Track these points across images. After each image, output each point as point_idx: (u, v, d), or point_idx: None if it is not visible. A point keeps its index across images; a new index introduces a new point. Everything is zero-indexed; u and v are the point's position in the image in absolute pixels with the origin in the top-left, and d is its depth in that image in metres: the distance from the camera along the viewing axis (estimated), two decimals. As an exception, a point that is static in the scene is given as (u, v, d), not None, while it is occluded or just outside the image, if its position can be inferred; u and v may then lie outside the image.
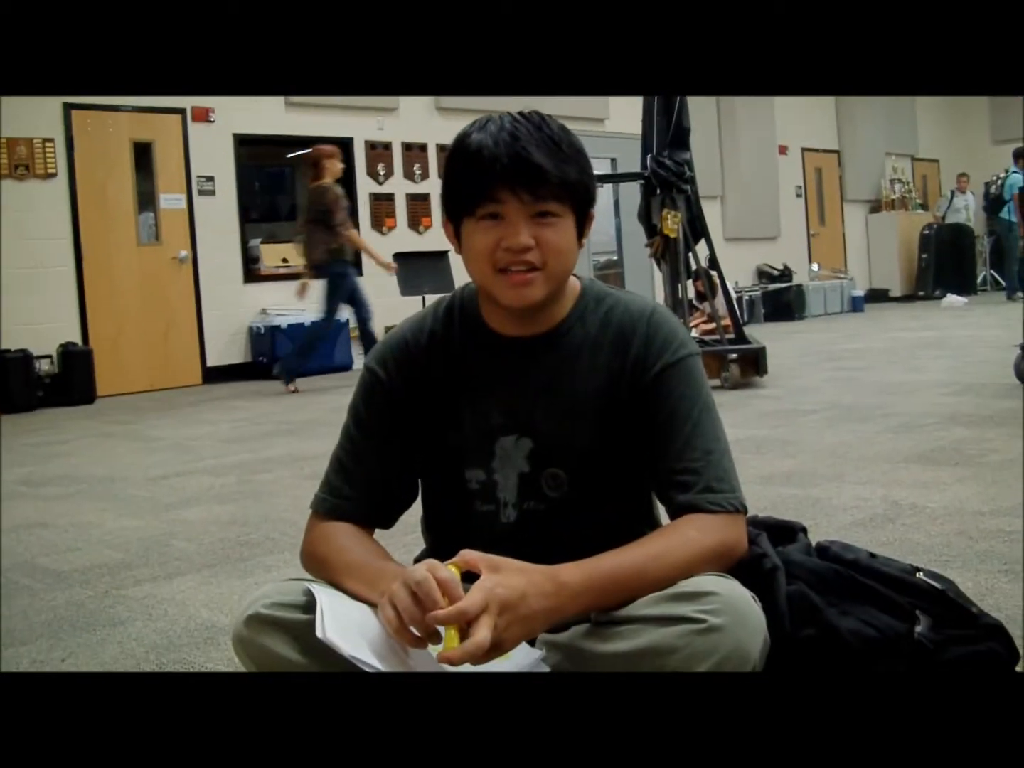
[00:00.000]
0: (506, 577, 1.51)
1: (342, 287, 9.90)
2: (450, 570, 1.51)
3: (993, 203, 18.27)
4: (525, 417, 1.81)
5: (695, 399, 1.76)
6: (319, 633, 1.51)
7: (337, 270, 9.83)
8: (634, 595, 1.57)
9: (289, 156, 13.82)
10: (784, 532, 2.06)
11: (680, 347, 1.79)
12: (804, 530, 2.10)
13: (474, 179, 1.68)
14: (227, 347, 11.89)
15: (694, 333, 9.45)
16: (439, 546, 1.89)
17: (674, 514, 1.74)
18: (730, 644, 1.48)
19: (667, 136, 8.43)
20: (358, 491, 1.86)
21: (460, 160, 1.71)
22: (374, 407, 1.88)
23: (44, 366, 10.38)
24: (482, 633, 1.43)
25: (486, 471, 1.83)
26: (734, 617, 1.50)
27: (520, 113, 1.74)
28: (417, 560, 1.90)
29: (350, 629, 1.56)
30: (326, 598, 1.59)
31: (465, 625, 1.45)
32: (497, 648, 1.46)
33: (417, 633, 1.49)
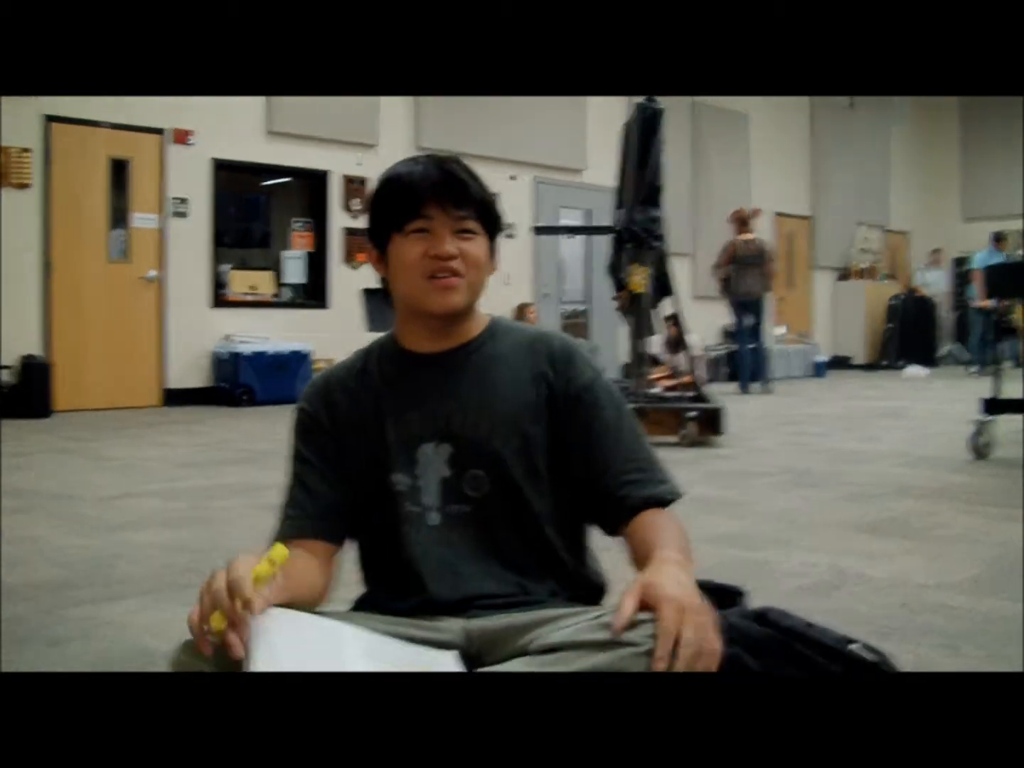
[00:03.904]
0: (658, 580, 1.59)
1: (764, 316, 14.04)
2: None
3: (964, 279, 18.71)
4: (443, 424, 1.94)
5: (620, 408, 1.98)
6: (251, 668, 1.51)
7: (764, 304, 13.92)
8: None
9: (265, 184, 13.84)
10: (723, 595, 2.08)
11: (595, 364, 2.01)
12: (743, 594, 2.12)
13: (405, 198, 1.89)
14: (189, 371, 11.85)
15: (656, 389, 9.45)
16: (372, 564, 2.02)
17: (628, 509, 1.88)
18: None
19: (640, 193, 8.50)
20: (315, 509, 1.95)
21: (390, 188, 1.93)
22: (309, 439, 2.03)
23: (3, 376, 10.31)
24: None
25: (410, 476, 1.94)
26: None
27: (439, 155, 1.98)
28: (361, 601, 1.95)
29: (289, 650, 1.56)
30: (263, 626, 1.58)
31: None
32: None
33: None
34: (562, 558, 1.95)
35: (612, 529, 1.94)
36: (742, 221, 14.17)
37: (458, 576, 1.88)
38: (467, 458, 1.92)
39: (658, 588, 1.54)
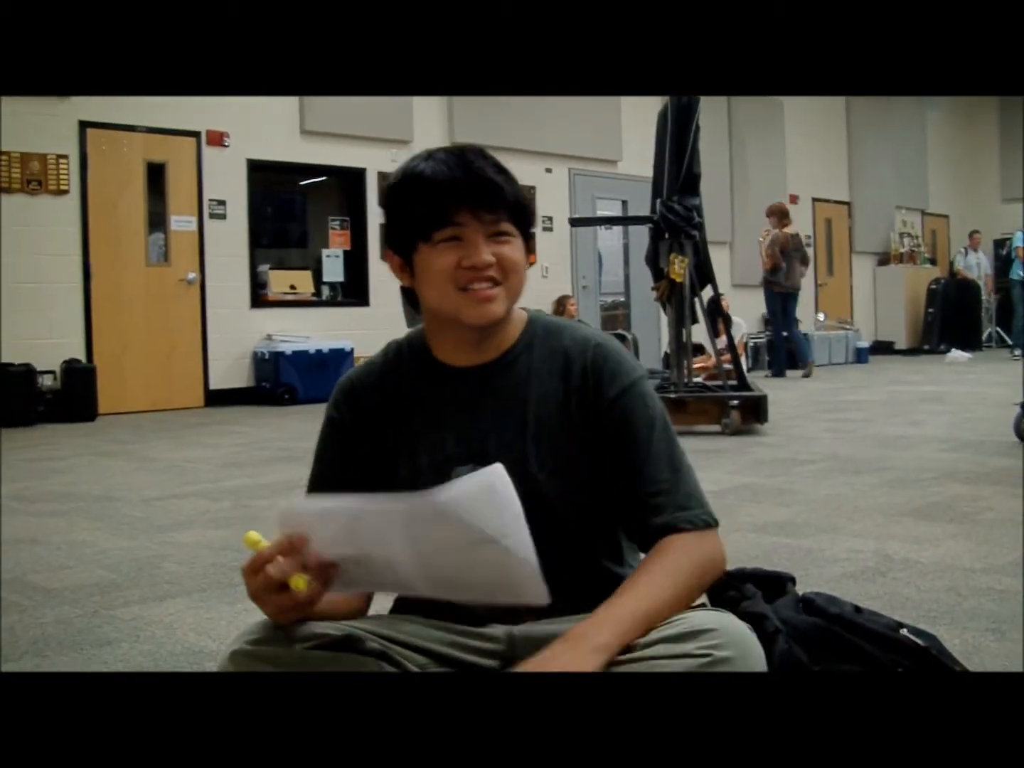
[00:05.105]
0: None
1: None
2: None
3: (1005, 262, 18.57)
4: (478, 445, 1.83)
5: (653, 422, 1.81)
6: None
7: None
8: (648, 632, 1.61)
9: (302, 183, 13.88)
10: (774, 584, 2.06)
11: (631, 371, 1.84)
12: (793, 580, 2.10)
13: (431, 204, 1.73)
14: (230, 371, 11.91)
15: (698, 378, 9.41)
16: None
17: (650, 536, 1.76)
18: None
19: (677, 181, 8.47)
20: None
21: (412, 189, 1.76)
22: (332, 445, 1.96)
23: (46, 381, 10.40)
24: None
25: None
26: (739, 649, 1.52)
27: (458, 146, 1.81)
28: (394, 610, 1.91)
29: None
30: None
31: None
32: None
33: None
34: (604, 567, 1.88)
35: (642, 549, 1.85)
36: (784, 214, 14.56)
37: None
38: None
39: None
